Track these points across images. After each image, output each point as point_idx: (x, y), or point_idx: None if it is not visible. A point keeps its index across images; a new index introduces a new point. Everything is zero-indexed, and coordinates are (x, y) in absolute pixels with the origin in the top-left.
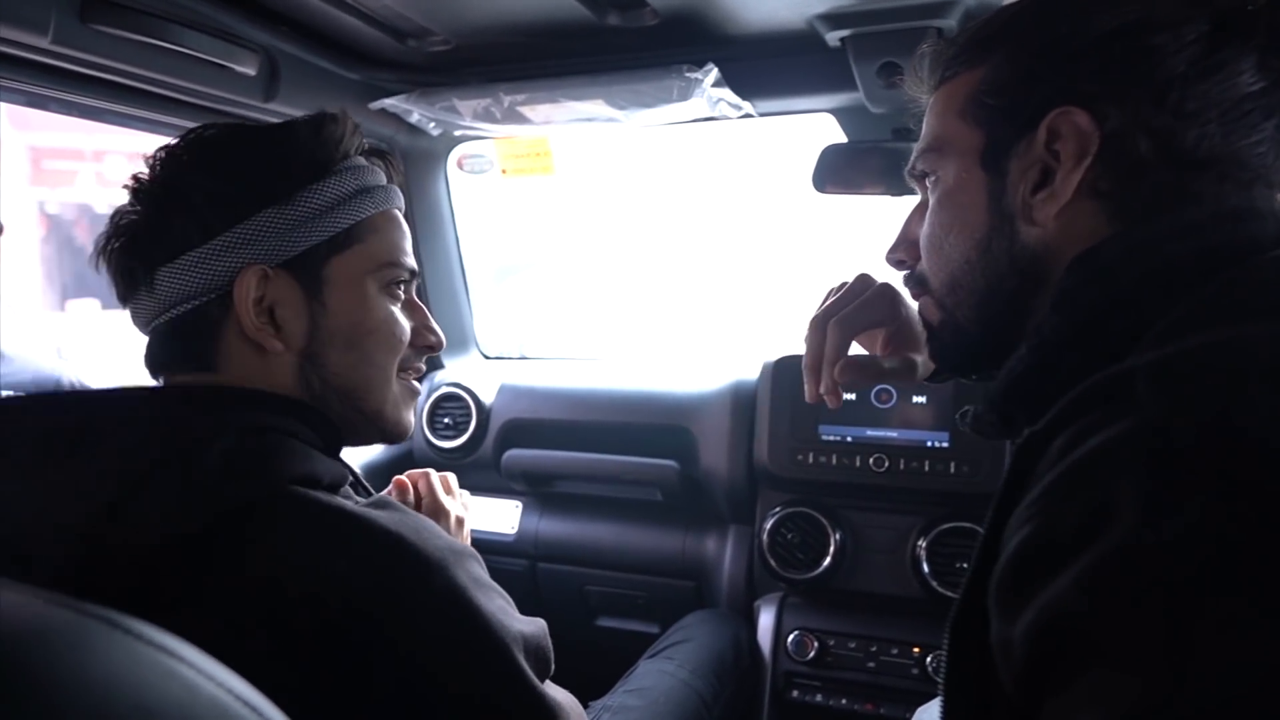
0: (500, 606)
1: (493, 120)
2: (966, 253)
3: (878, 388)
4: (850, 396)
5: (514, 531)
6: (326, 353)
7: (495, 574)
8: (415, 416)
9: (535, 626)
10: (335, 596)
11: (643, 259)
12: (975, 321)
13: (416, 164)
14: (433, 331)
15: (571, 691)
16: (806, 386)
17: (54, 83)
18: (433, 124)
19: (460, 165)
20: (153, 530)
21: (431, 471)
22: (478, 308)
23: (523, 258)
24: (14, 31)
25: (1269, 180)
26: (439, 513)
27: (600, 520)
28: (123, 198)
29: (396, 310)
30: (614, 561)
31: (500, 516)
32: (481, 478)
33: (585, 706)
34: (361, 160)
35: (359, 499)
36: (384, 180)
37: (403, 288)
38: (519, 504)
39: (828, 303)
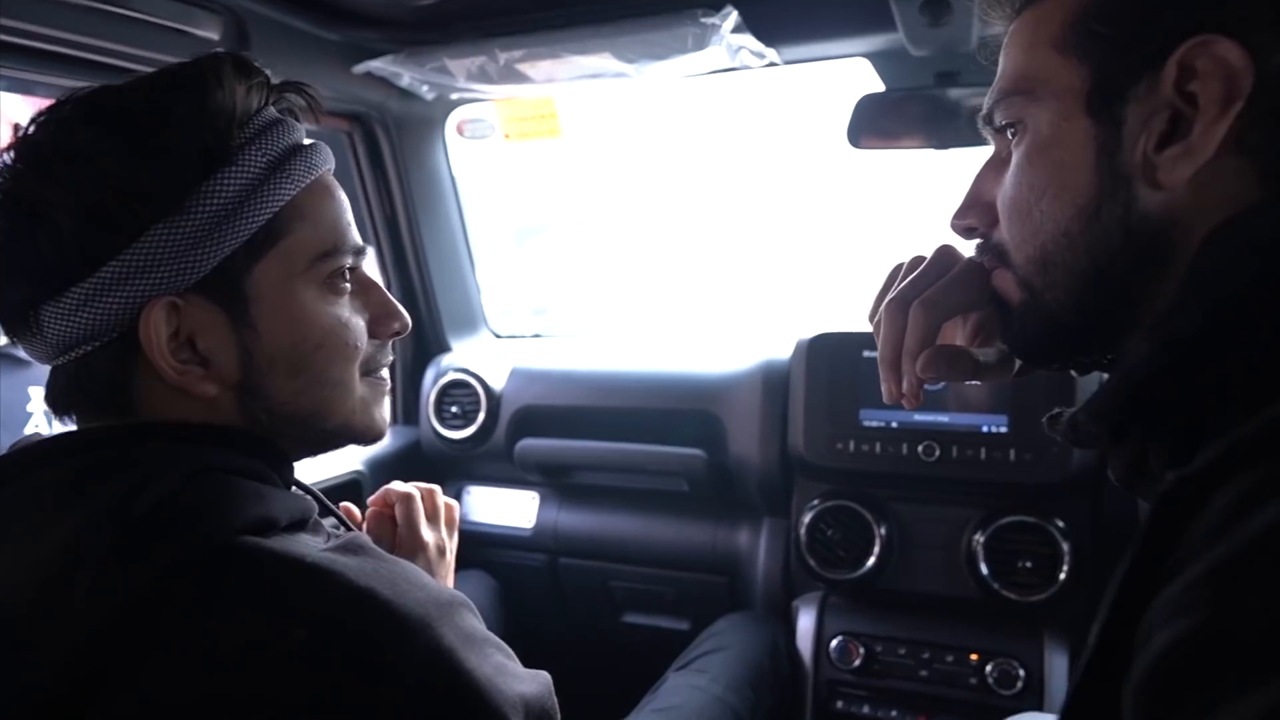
0: (498, 665)
1: (489, 80)
2: (1065, 222)
3: None
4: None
5: (531, 525)
6: (268, 382)
7: (514, 569)
8: (422, 406)
9: (538, 685)
10: (296, 670)
11: (667, 223)
12: (1071, 308)
13: (411, 131)
14: (395, 316)
15: (597, 692)
16: (884, 385)
17: None
18: (426, 87)
19: (460, 131)
20: (76, 617)
21: (414, 493)
22: (496, 273)
23: (544, 218)
24: None
25: None
26: (416, 548)
27: (623, 512)
28: None
29: (344, 309)
30: (640, 556)
31: (517, 509)
32: (495, 468)
33: None
34: (268, 115)
35: (326, 537)
36: (300, 136)
37: (348, 273)
38: (536, 495)
39: (905, 282)
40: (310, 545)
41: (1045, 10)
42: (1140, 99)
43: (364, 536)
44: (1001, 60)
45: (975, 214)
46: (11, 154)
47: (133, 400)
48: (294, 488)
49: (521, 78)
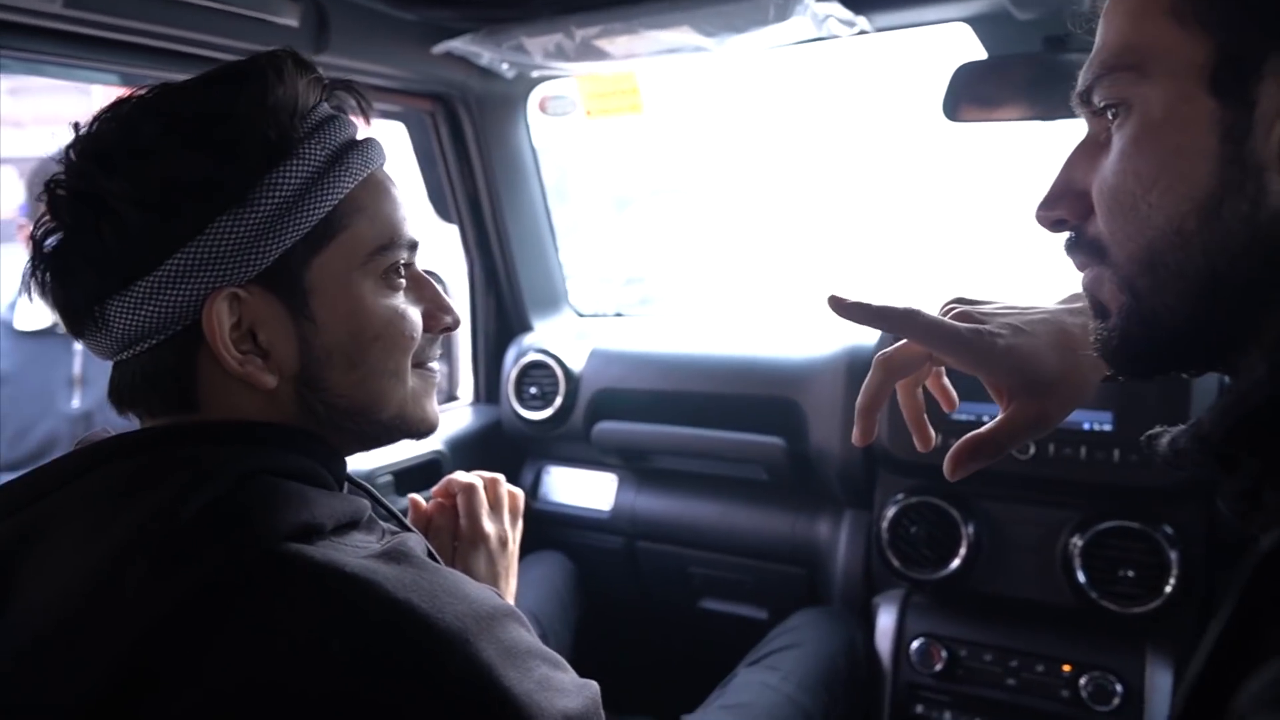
0: (541, 680)
1: (566, 58)
2: (1179, 218)
3: None
4: None
5: (610, 508)
6: (326, 374)
7: (591, 551)
8: (503, 385)
9: (583, 699)
10: (331, 680)
11: (760, 193)
12: (1182, 316)
13: (493, 110)
14: (447, 311)
15: (669, 678)
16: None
17: (71, 49)
18: (505, 65)
19: (543, 108)
20: (126, 618)
21: (476, 484)
22: (593, 243)
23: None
24: None
25: None
26: (478, 540)
27: (702, 498)
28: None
29: (400, 302)
30: (717, 543)
31: (595, 491)
32: (573, 449)
33: (677, 719)
34: (325, 110)
35: (381, 534)
36: (354, 132)
37: (403, 268)
38: (615, 478)
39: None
40: (355, 551)
41: None
42: (1276, 75)
43: (412, 540)
44: (1101, 28)
45: (1066, 205)
46: (74, 150)
47: (194, 394)
48: (347, 486)
49: (599, 54)
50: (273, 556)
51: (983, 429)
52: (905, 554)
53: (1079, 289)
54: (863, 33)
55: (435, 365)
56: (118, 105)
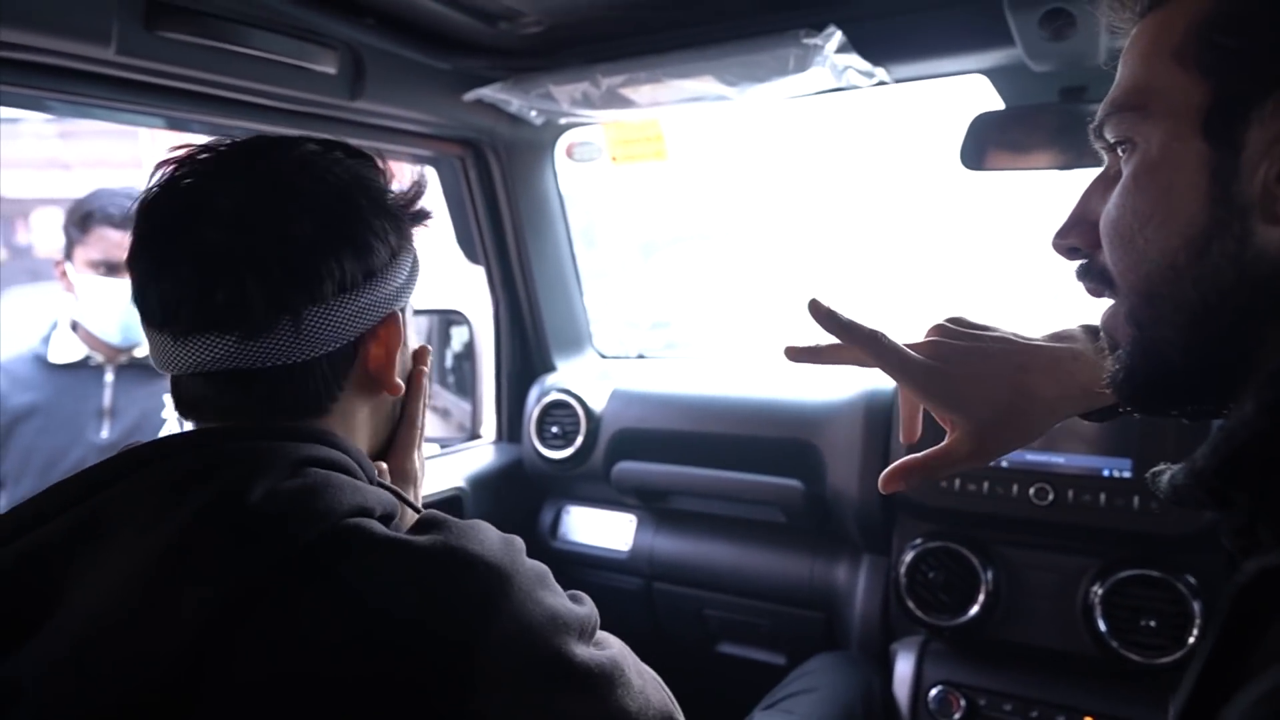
0: (566, 594)
1: (591, 105)
2: (1171, 253)
3: None
4: None
5: (628, 548)
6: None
7: (609, 591)
8: (525, 424)
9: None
10: (404, 646)
11: (785, 241)
12: (1180, 347)
13: (521, 156)
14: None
15: None
16: None
17: (120, 94)
18: (534, 112)
19: (569, 154)
20: (188, 601)
21: None
22: (620, 287)
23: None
24: (75, 44)
25: None
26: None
27: (719, 540)
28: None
29: None
30: (735, 585)
31: (614, 531)
32: (593, 489)
33: None
34: None
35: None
36: None
37: None
38: (634, 518)
39: None
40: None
41: (1168, 16)
42: (1264, 121)
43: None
44: (1119, 69)
45: (1078, 234)
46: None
47: (333, 404)
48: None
49: (624, 102)
50: (341, 530)
51: (920, 454)
52: (924, 600)
53: (1067, 325)
54: (881, 83)
55: None
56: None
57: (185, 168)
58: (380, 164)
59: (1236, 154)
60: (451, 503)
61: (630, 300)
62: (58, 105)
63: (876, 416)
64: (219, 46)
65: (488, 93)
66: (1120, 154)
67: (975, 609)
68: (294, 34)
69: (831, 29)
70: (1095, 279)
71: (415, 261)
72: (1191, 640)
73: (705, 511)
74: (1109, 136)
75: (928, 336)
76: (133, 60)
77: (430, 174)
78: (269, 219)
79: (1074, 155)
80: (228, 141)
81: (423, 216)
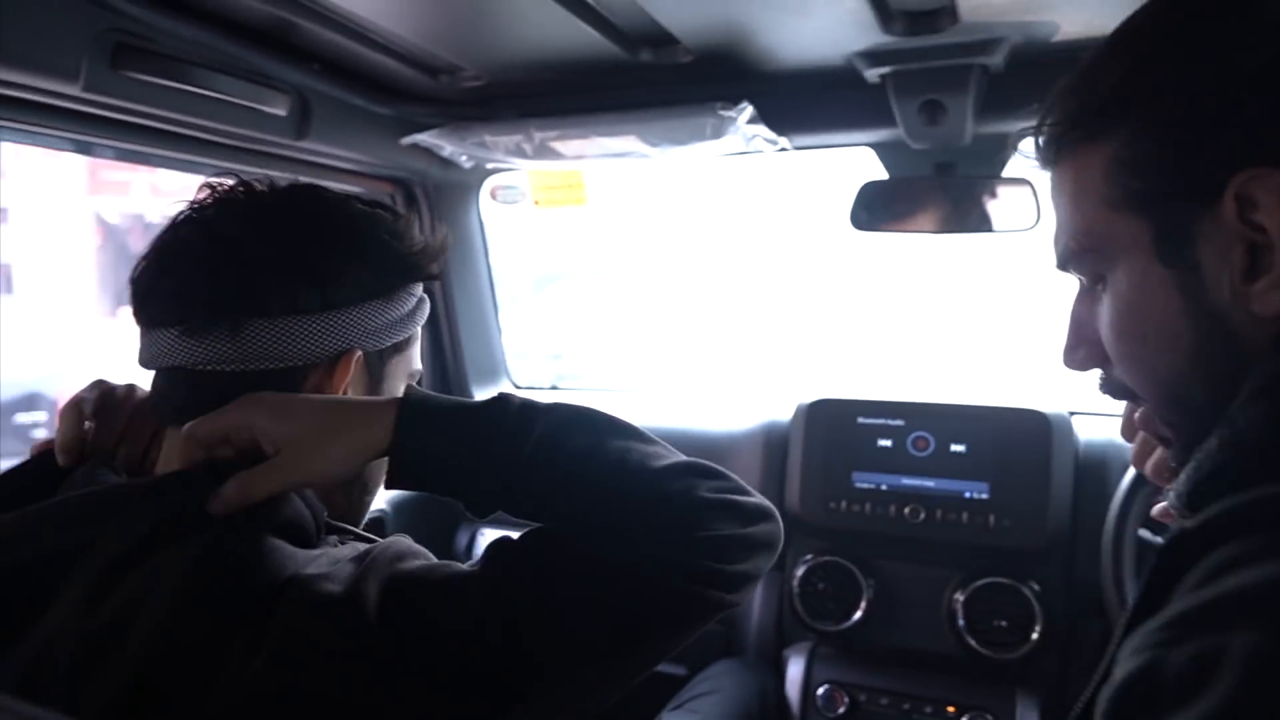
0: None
1: (524, 155)
2: (1174, 365)
3: (914, 434)
4: (886, 443)
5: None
6: None
7: None
8: None
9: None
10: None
11: (678, 280)
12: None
13: (448, 196)
14: None
15: None
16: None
17: (86, 128)
18: (465, 157)
19: (494, 195)
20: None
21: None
22: (514, 319)
23: (562, 266)
24: (45, 80)
25: None
26: None
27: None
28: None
29: None
30: None
31: None
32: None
33: None
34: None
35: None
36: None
37: None
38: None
39: None
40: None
41: (1078, 167)
42: (1210, 236)
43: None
44: (1056, 209)
45: (1085, 353)
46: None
47: None
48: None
49: (554, 154)
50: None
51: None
52: (813, 609)
53: None
54: (784, 150)
55: None
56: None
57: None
58: (394, 216)
59: (1197, 270)
60: (375, 524)
61: (524, 331)
62: (25, 136)
63: (774, 445)
64: (179, 87)
65: (425, 138)
66: (1093, 282)
67: (858, 615)
68: (249, 78)
69: (745, 105)
70: (1118, 392)
71: (404, 313)
72: (1035, 637)
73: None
74: (1077, 277)
75: None
76: (98, 97)
77: None
78: (240, 234)
79: (946, 222)
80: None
81: (418, 272)
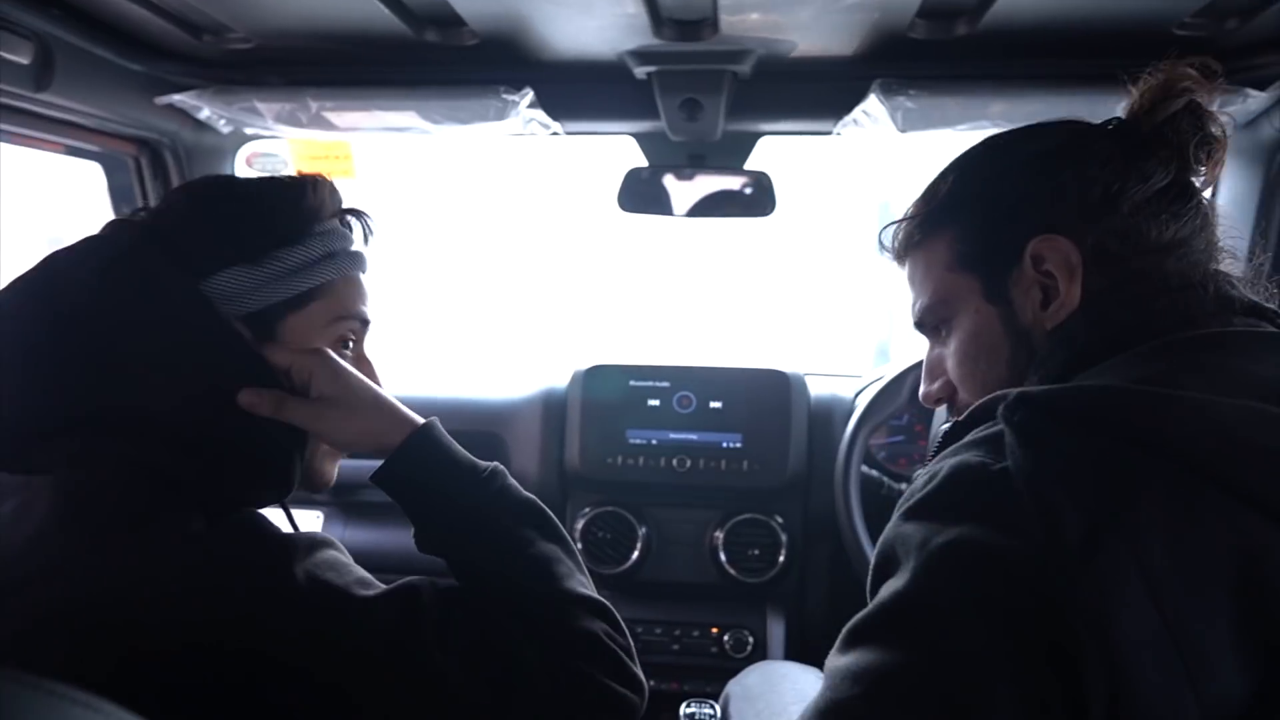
0: (358, 579)
1: (298, 124)
2: (999, 371)
3: (679, 393)
4: (655, 402)
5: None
6: None
7: None
8: None
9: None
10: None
11: (452, 257)
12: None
13: (199, 161)
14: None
15: None
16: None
17: None
18: (224, 121)
19: (249, 163)
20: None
21: None
22: None
23: None
24: None
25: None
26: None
27: (410, 526)
28: None
29: None
30: (426, 568)
31: (301, 528)
32: None
33: None
34: (334, 223)
35: None
36: (351, 244)
37: (353, 341)
38: (320, 514)
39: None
40: None
41: (930, 252)
42: (1016, 283)
43: None
44: (911, 284)
45: (939, 389)
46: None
47: None
48: None
49: (329, 125)
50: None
51: None
52: (594, 555)
53: None
54: (555, 134)
55: None
56: (204, 178)
57: None
58: (294, 182)
59: (1011, 305)
60: None
61: None
62: None
63: (553, 410)
64: None
65: (181, 99)
66: (941, 333)
67: (634, 557)
68: None
69: (527, 89)
70: (956, 409)
71: (249, 283)
72: (781, 560)
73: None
74: (929, 323)
75: None
76: None
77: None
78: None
79: (698, 207)
80: None
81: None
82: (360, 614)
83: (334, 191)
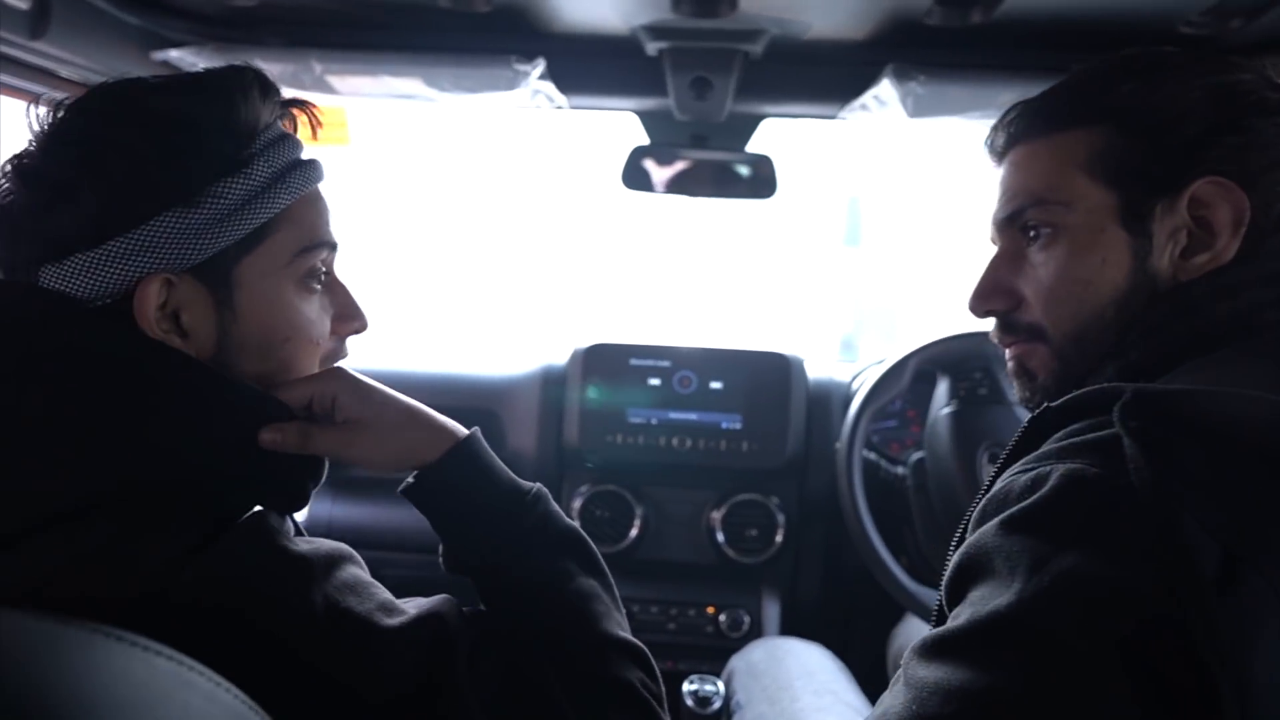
0: (381, 604)
1: (300, 86)
2: (1102, 307)
3: (679, 373)
4: (656, 381)
5: (304, 519)
6: (237, 362)
7: None
8: None
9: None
10: None
11: (454, 231)
12: (1086, 372)
13: None
14: (356, 316)
15: None
16: None
17: None
18: None
19: None
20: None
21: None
22: None
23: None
24: None
25: None
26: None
27: (401, 503)
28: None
29: (313, 305)
30: (419, 544)
31: None
32: None
33: None
34: (277, 130)
35: None
36: (300, 151)
37: (322, 270)
38: None
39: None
40: None
41: (1064, 142)
42: (1162, 218)
43: None
44: (1012, 175)
45: (998, 298)
46: (45, 128)
47: None
48: None
49: (331, 89)
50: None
51: None
52: (593, 533)
53: None
54: (561, 108)
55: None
56: (89, 98)
57: None
58: (221, 89)
59: (1149, 240)
60: None
61: None
62: None
63: (551, 388)
64: None
65: (179, 55)
66: (1030, 235)
67: (632, 535)
68: None
69: (540, 60)
70: (1022, 332)
71: (190, 228)
72: (778, 541)
73: (385, 476)
74: (1031, 221)
75: None
76: None
77: None
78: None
79: (702, 187)
80: None
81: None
82: (385, 647)
83: (267, 86)
